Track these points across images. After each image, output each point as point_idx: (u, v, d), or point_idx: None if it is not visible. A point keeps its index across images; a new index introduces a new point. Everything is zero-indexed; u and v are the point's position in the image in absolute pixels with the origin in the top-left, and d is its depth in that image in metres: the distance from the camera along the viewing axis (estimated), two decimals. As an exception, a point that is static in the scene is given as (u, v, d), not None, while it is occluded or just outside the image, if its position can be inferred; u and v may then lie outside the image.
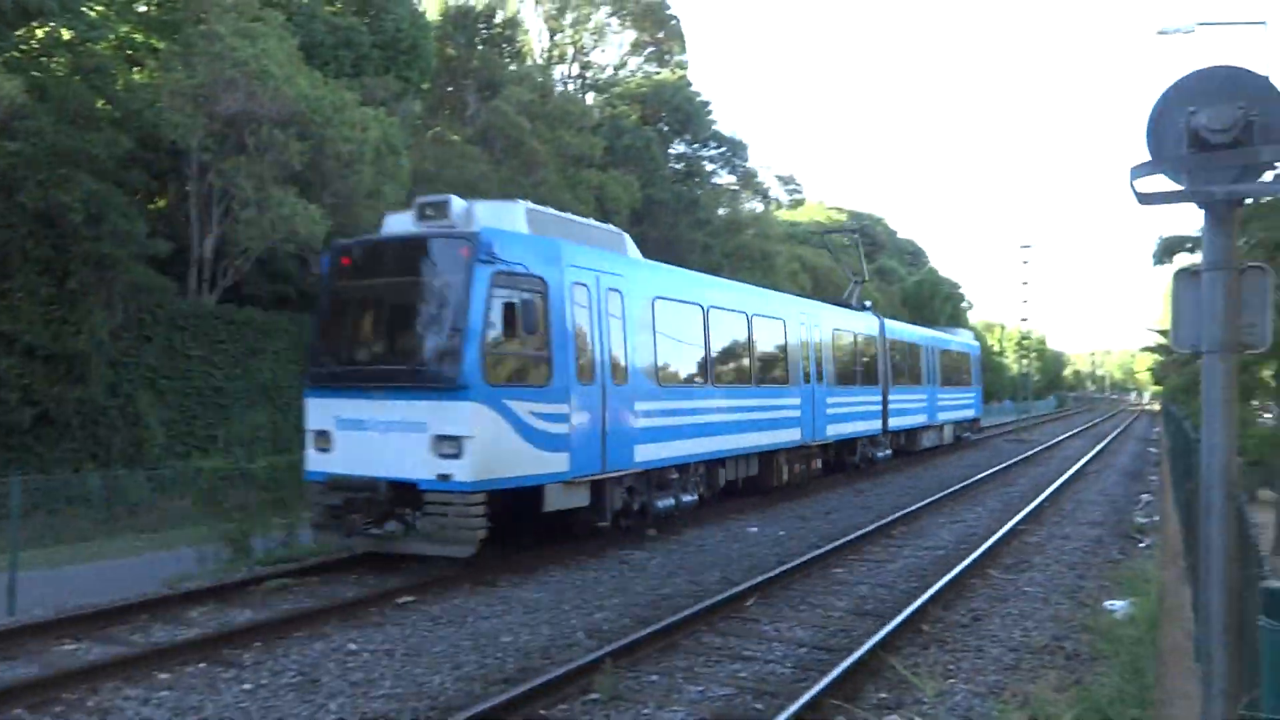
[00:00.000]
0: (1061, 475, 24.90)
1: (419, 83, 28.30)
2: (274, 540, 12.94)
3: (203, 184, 20.17)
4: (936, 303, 69.54)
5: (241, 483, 14.29)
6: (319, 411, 12.51)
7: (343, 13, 25.28)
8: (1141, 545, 14.90)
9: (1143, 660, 7.70)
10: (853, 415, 23.96)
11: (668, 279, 15.97)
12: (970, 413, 37.94)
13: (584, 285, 13.54)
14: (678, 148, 43.93)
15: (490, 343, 12.00)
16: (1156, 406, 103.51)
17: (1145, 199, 5.55)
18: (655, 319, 15.17)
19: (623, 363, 14.18)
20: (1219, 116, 5.34)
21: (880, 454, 26.51)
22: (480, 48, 35.06)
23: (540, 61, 43.17)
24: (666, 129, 42.86)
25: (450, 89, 34.46)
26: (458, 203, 12.67)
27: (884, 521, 16.49)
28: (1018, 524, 16.36)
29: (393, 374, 11.94)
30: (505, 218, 13.06)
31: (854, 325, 25.06)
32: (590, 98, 44.26)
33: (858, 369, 24.46)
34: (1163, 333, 51.69)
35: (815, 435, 21.40)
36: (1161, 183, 5.61)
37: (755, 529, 16.30)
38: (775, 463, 19.76)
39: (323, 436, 12.39)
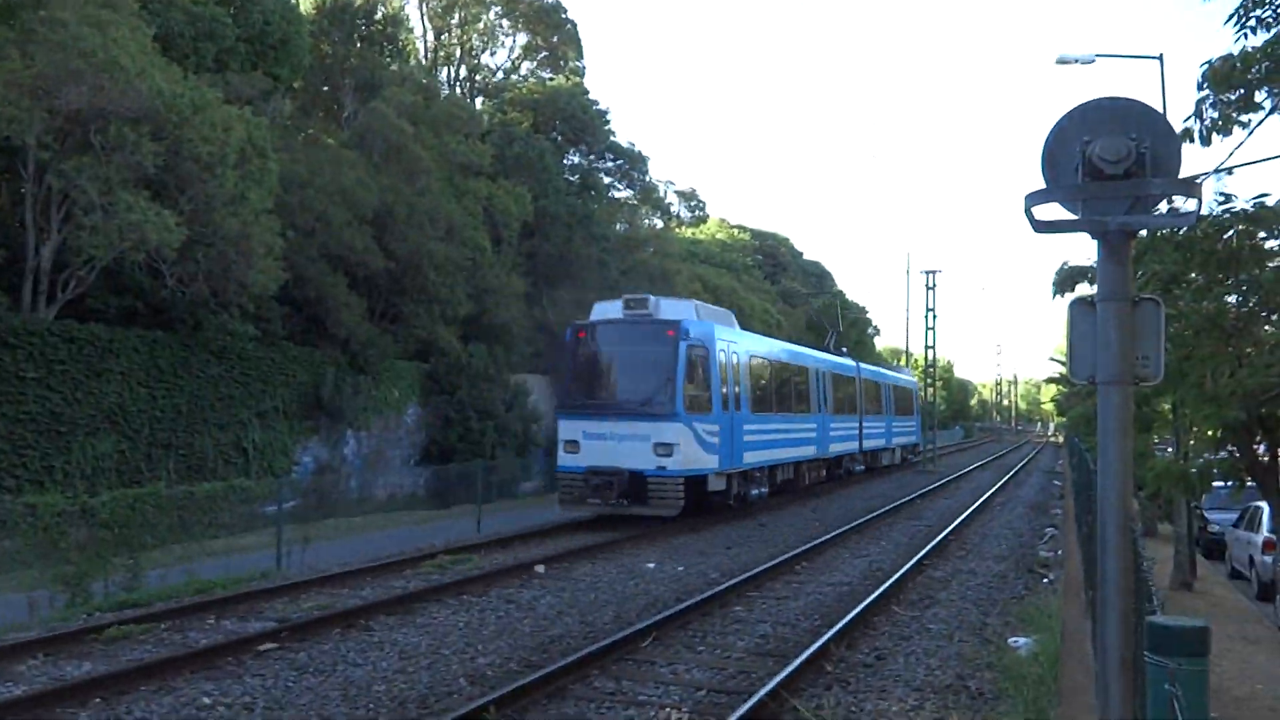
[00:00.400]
0: (968, 508, 25.71)
1: (290, 80, 27.98)
2: (117, 583, 12.44)
3: (40, 185, 19.39)
4: (842, 328, 78.41)
5: (82, 520, 14.31)
6: (570, 428, 21.93)
7: (205, 2, 24.48)
8: (1045, 580, 15.08)
9: (1044, 698, 7.99)
10: (844, 437, 34.83)
11: (756, 342, 26.48)
12: (914, 438, 50.42)
13: (723, 350, 23.32)
14: (573, 159, 43.19)
15: (686, 387, 21.69)
16: (1061, 439, 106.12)
17: (1040, 227, 5.75)
18: (751, 369, 25.17)
19: (738, 398, 23.79)
20: (1111, 147, 5.51)
21: (857, 468, 36.55)
22: (359, 45, 34.67)
23: (424, 62, 42.17)
24: (560, 138, 42.11)
25: (325, 88, 34.03)
26: (653, 298, 22.99)
27: (787, 556, 16.41)
28: (923, 558, 16.55)
29: (630, 405, 21.56)
30: (683, 308, 23.10)
31: (842, 369, 36.16)
32: (479, 103, 43.42)
33: (845, 401, 35.27)
34: (1063, 362, 52.71)
35: (822, 451, 31.58)
36: (1057, 211, 5.79)
37: (653, 565, 16.17)
38: (800, 470, 29.38)
39: (573, 444, 21.77)
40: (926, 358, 55.59)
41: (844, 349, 42.10)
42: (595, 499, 21.91)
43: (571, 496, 22.41)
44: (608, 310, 23.86)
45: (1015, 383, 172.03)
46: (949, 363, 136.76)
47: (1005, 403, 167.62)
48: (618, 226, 44.51)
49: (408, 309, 29.24)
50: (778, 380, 28.16)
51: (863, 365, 40.19)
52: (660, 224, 55.41)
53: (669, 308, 23.62)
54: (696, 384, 22.31)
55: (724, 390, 23.43)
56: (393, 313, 29.67)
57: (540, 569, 15.67)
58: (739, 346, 25.19)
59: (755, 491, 25.64)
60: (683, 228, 64.72)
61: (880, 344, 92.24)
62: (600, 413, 22.25)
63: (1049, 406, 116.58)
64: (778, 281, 74.15)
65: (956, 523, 22.02)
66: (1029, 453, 76.13)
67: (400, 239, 27.81)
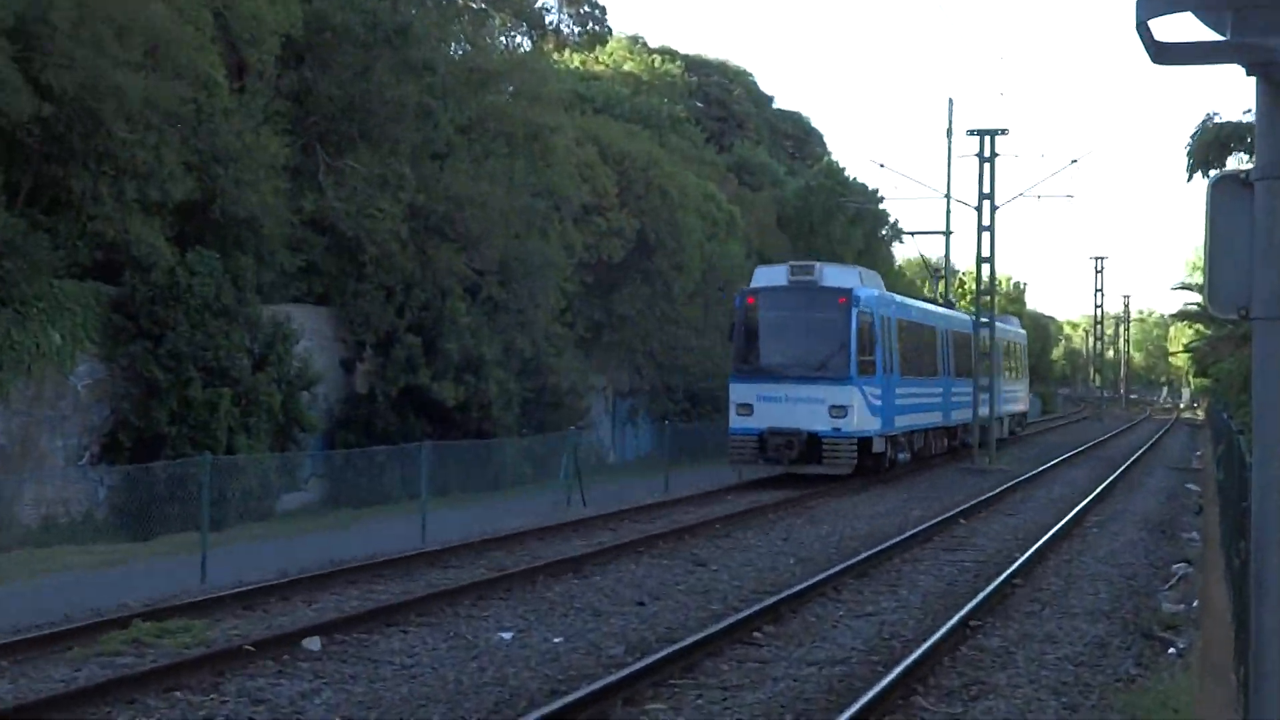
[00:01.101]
0: (1046, 530, 25.89)
1: None
2: None
3: None
4: (838, 226, 64.08)
5: None
6: (744, 390, 34.93)
7: None
8: (1171, 651, 15.12)
9: None
10: (961, 403, 45.37)
11: (902, 303, 40.73)
12: (1022, 407, 61.41)
13: (883, 315, 35.37)
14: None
15: (857, 352, 33.69)
16: (1202, 413, 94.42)
17: (1163, 54, 5.92)
18: (899, 332, 37.05)
19: (890, 362, 35.95)
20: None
21: (969, 439, 46.54)
22: None
23: None
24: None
25: None
26: (818, 265, 35.44)
27: (739, 617, 16.19)
28: (969, 615, 16.78)
29: (805, 369, 34.27)
30: (848, 275, 36.38)
31: (960, 325, 46.92)
32: None
33: (963, 363, 45.81)
34: (1198, 287, 50.81)
35: (946, 419, 43.96)
36: (1191, 28, 5.91)
37: (509, 635, 15.90)
38: (928, 439, 41.86)
39: (746, 407, 34.69)
40: (980, 276, 53.94)
41: (952, 300, 52.52)
42: (773, 458, 33.88)
43: (744, 457, 34.58)
44: (771, 276, 35.98)
45: (1126, 321, 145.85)
46: (1017, 286, 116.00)
47: (1110, 353, 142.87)
48: (453, 49, 42.29)
49: (77, 187, 27.44)
50: (915, 342, 39.51)
51: (977, 320, 48.50)
52: (528, 45, 51.93)
53: (834, 274, 35.25)
54: (865, 349, 34.12)
55: (884, 355, 35.08)
56: (50, 194, 27.60)
57: (313, 644, 14.76)
58: (891, 310, 36.89)
59: (901, 455, 37.71)
60: (568, 52, 61.98)
61: (900, 253, 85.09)
62: (776, 376, 34.25)
63: (1182, 361, 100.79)
64: (729, 144, 66.48)
65: (1027, 555, 22.24)
66: (1149, 435, 70.79)
67: (62, 63, 26.10)
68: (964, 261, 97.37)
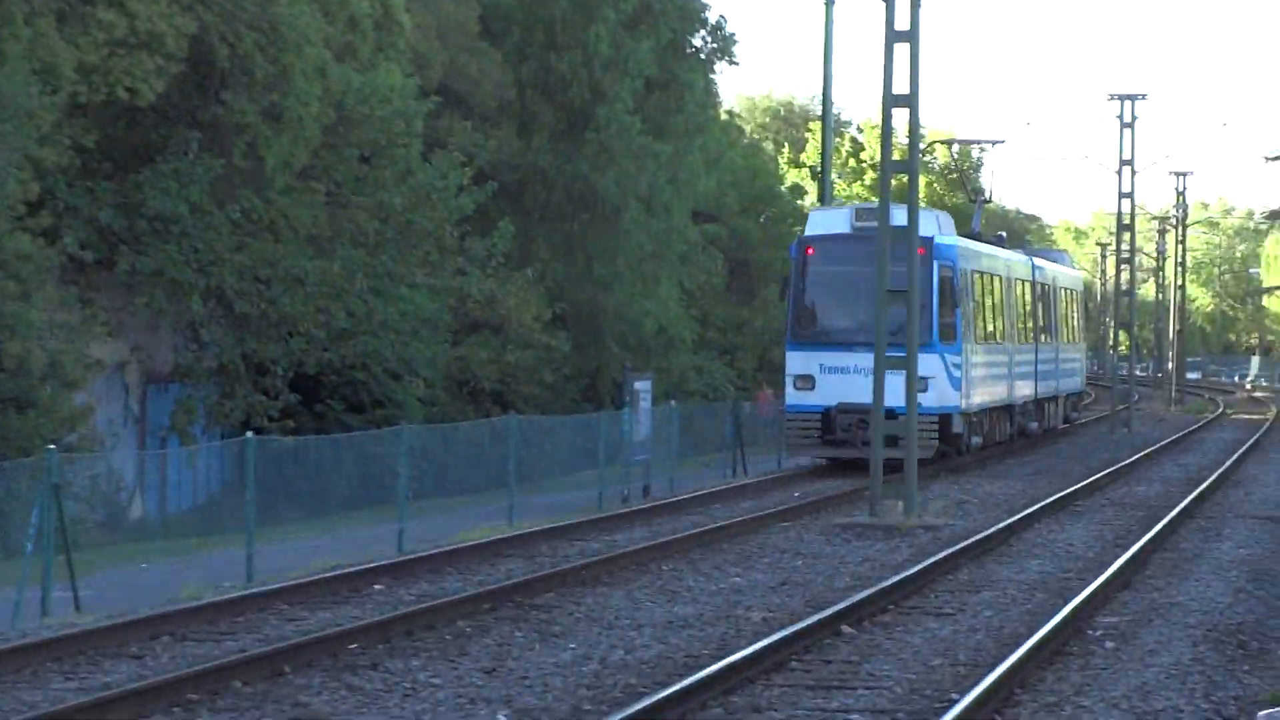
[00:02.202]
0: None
1: None
2: None
3: None
4: (602, 33, 41.50)
5: None
6: (803, 360, 32.58)
7: None
8: None
9: None
10: (1023, 374, 38.99)
11: (975, 251, 35.72)
12: (1077, 381, 49.36)
13: (963, 268, 33.28)
14: None
15: (939, 313, 31.74)
16: None
17: None
18: (975, 287, 34.31)
19: (971, 325, 33.88)
20: None
21: (1031, 425, 39.33)
22: None
23: None
24: None
25: None
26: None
27: None
28: None
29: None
30: (925, 218, 29.79)
31: (1021, 271, 39.61)
32: None
33: (1025, 322, 39.26)
34: None
35: (1010, 395, 38.03)
36: None
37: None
38: (995, 420, 36.13)
39: (806, 379, 31.98)
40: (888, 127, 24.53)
41: (1001, 234, 45.39)
42: (843, 439, 30.13)
43: (807, 440, 31.10)
44: (831, 221, 32.69)
45: (1181, 222, 77.15)
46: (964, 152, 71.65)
47: (1151, 288, 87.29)
48: None
49: None
50: (987, 298, 35.18)
51: (1037, 261, 42.14)
52: None
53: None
54: (946, 310, 31.22)
55: (963, 317, 31.54)
56: None
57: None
58: (970, 261, 33.28)
59: (974, 439, 33.18)
60: None
61: (737, 85, 57.58)
62: (840, 343, 31.01)
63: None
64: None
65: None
66: (1221, 452, 42.39)
67: None
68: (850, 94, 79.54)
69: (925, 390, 28.37)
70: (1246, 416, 63.85)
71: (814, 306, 31.73)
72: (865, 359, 27.61)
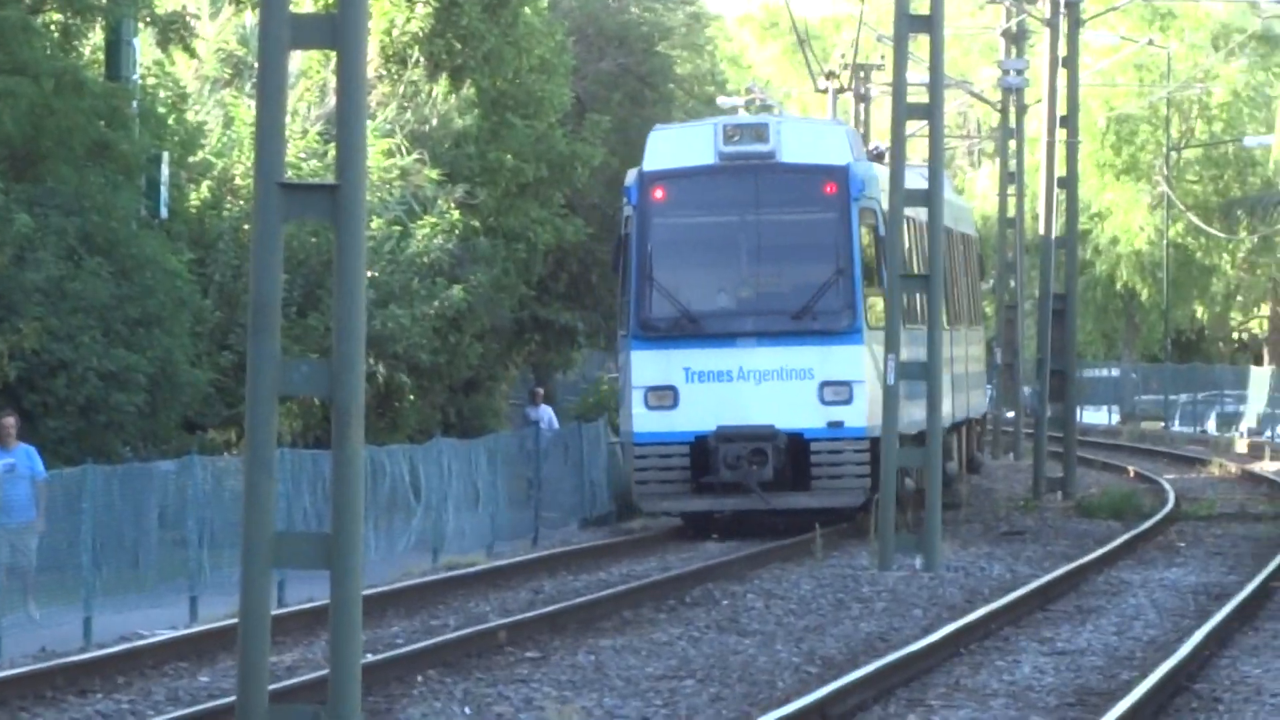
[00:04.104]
0: None
1: None
2: None
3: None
4: None
5: None
6: (654, 364, 20.99)
7: None
8: None
9: None
10: (958, 381, 25.94)
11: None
12: (981, 396, 31.12)
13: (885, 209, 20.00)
14: None
15: (862, 282, 21.38)
16: None
17: None
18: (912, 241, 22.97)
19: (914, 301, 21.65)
20: None
21: (950, 466, 24.45)
22: None
23: None
24: None
25: None
26: (771, 121, 20.02)
27: None
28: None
29: (770, 318, 21.02)
30: (829, 135, 21.99)
31: (955, 218, 26.81)
32: None
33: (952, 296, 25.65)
34: None
35: (953, 410, 25.16)
36: None
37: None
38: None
39: (662, 393, 20.88)
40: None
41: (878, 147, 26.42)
42: (728, 481, 19.80)
43: (667, 488, 20.72)
44: (689, 143, 21.25)
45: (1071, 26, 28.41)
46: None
47: (1039, 202, 31.20)
48: None
49: None
50: (913, 257, 22.74)
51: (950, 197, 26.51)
52: None
53: (805, 137, 20.55)
54: (872, 275, 20.57)
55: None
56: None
57: None
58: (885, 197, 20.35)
59: (909, 482, 21.18)
60: None
61: None
62: (716, 335, 20.77)
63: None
64: None
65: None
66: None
67: None
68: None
69: (849, 401, 20.52)
70: (1224, 529, 30.09)
71: (670, 281, 21.66)
72: (748, 356, 20.26)
